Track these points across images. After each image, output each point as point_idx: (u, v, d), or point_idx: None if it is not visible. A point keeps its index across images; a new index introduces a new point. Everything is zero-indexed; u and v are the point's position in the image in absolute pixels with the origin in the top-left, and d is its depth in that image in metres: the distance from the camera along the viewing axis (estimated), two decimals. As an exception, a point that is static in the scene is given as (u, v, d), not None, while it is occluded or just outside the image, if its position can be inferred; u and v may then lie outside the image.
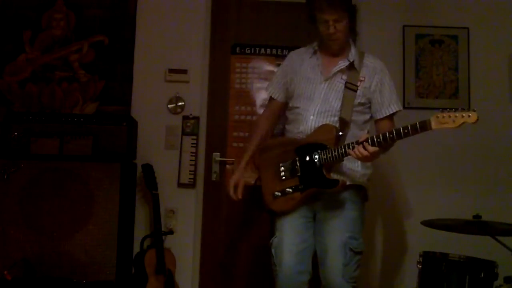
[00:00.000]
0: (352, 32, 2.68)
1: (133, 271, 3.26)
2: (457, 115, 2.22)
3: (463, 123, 2.22)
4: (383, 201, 3.52)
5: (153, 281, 3.15)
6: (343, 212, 2.54)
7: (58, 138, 3.10)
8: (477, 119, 2.20)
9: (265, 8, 3.67)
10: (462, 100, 3.59)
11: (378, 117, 2.62)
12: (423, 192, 3.51)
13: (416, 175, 3.54)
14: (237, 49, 3.66)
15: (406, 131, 2.28)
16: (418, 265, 2.68)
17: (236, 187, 2.70)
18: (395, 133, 2.30)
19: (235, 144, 3.60)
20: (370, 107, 2.63)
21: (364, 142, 2.32)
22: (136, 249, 3.33)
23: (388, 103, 2.61)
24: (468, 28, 3.62)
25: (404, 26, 3.62)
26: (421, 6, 3.64)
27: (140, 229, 3.43)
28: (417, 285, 2.69)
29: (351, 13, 2.59)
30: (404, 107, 3.52)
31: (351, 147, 2.38)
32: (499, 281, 2.56)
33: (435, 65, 3.63)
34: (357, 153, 2.34)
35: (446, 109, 2.25)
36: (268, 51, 3.64)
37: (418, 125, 2.26)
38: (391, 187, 3.54)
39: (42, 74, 3.53)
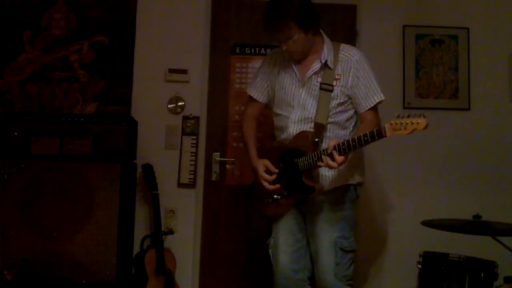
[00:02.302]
0: (318, 32, 2.59)
1: (133, 271, 3.26)
2: (408, 121, 2.17)
3: (413, 129, 2.18)
4: (384, 201, 3.52)
5: (153, 281, 3.15)
6: (330, 213, 2.56)
7: (58, 138, 3.10)
8: (426, 126, 2.15)
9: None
10: (462, 100, 3.59)
11: (360, 111, 2.59)
12: (423, 192, 3.51)
13: (416, 175, 3.54)
14: (237, 49, 3.66)
15: (366, 138, 2.28)
16: (418, 265, 2.68)
17: (266, 167, 2.62)
18: (357, 141, 2.30)
19: (235, 144, 3.60)
20: (352, 103, 2.59)
21: (333, 151, 2.32)
22: (136, 249, 3.34)
23: (367, 96, 2.55)
24: (468, 28, 3.62)
25: (404, 26, 3.62)
26: (421, 6, 3.64)
27: (140, 229, 3.43)
28: (417, 285, 2.69)
29: (305, 23, 2.47)
30: (404, 107, 3.55)
31: (322, 156, 2.37)
32: (499, 281, 2.56)
33: (435, 65, 3.63)
34: (326, 164, 2.36)
35: (400, 115, 2.21)
36: (268, 51, 3.63)
37: (375, 132, 2.26)
38: (391, 187, 3.53)
39: (42, 74, 3.53)
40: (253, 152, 2.74)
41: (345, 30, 3.60)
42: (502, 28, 3.63)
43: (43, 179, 3.03)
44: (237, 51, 3.66)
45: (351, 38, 3.54)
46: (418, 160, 3.53)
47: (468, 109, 3.60)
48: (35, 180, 3.02)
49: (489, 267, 2.56)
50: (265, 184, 2.60)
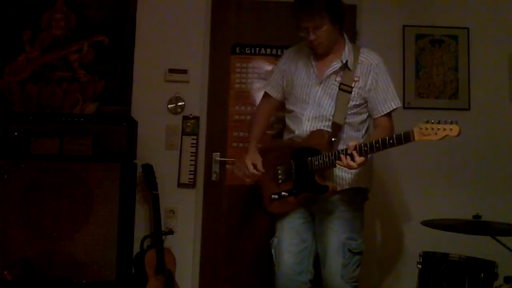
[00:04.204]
0: (341, 31, 2.62)
1: (133, 271, 3.26)
2: (440, 127, 2.16)
3: (445, 136, 2.16)
4: (384, 201, 3.52)
5: (153, 281, 3.15)
6: (340, 213, 2.55)
7: (58, 138, 3.09)
8: (459, 133, 2.14)
9: (265, 8, 3.66)
10: (462, 100, 3.60)
11: (375, 116, 2.59)
12: (423, 193, 3.52)
13: (416, 175, 3.54)
14: (237, 49, 3.66)
15: (391, 141, 2.25)
16: (418, 265, 2.68)
17: (254, 164, 2.66)
18: (381, 143, 2.27)
19: (235, 144, 3.60)
20: (367, 106, 2.59)
21: (353, 152, 2.30)
22: (136, 249, 3.33)
23: (384, 101, 2.56)
24: (468, 28, 3.63)
25: (404, 26, 3.62)
26: (421, 6, 3.64)
27: (140, 229, 3.43)
28: (417, 285, 2.69)
29: (335, 15, 2.51)
30: (404, 107, 3.54)
31: (340, 155, 2.35)
32: (499, 281, 2.56)
33: (435, 65, 3.63)
34: (345, 164, 2.33)
35: (430, 120, 2.19)
36: (268, 51, 3.64)
37: (402, 136, 2.23)
38: (391, 187, 3.54)
39: (42, 74, 3.53)
40: (253, 146, 2.74)
41: (345, 30, 3.56)
42: (502, 28, 3.63)
43: (43, 179, 3.02)
44: (237, 51, 3.66)
45: (351, 38, 3.52)
46: (417, 160, 3.53)
47: (468, 109, 3.60)
48: (35, 180, 3.02)
49: (489, 267, 2.56)
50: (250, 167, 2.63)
